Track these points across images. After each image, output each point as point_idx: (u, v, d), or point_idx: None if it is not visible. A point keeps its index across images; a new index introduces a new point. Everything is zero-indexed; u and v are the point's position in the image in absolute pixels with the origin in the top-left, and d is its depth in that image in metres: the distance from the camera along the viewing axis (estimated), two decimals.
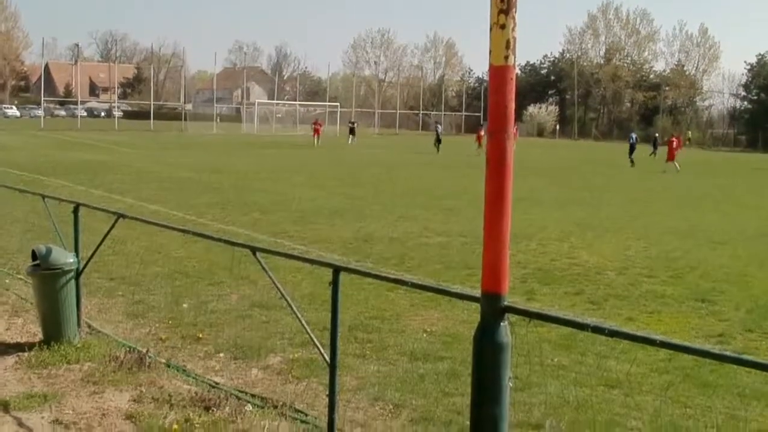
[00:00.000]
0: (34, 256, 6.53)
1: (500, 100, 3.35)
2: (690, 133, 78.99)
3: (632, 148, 39.47)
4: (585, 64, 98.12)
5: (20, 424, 4.97)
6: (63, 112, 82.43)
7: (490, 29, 3.31)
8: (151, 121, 66.37)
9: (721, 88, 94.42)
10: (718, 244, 13.43)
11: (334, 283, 4.57)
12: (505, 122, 3.36)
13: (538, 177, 27.39)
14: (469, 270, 10.19)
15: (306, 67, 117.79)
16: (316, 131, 50.40)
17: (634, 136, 42.44)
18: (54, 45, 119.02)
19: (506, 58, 3.31)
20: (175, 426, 4.92)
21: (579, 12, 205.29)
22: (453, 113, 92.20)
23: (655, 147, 45.92)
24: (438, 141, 47.01)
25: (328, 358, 4.73)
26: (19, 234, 12.03)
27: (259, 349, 6.62)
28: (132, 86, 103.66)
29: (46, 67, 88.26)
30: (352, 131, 54.44)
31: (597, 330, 3.41)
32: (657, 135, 51.51)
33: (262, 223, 14.30)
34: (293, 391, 5.68)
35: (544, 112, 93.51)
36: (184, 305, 8.08)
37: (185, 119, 67.98)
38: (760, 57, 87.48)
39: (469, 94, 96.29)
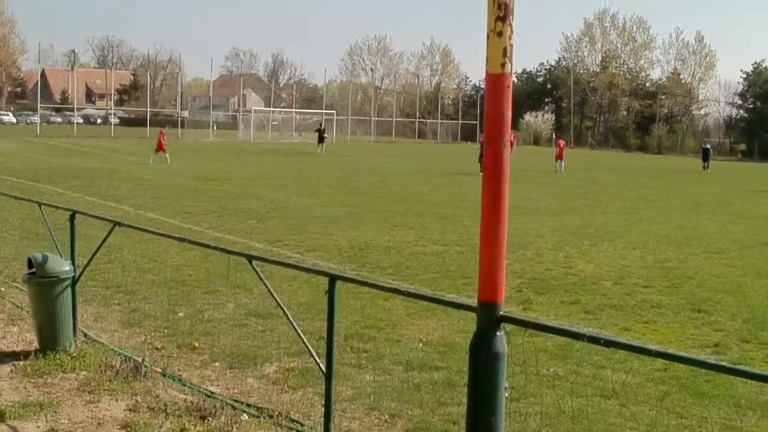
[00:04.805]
0: (30, 263, 6.51)
1: (497, 108, 3.34)
2: (744, 146, 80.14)
3: (706, 156, 44.75)
4: (581, 71, 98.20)
5: None
6: (59, 119, 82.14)
7: (487, 37, 3.30)
8: (148, 128, 66.04)
9: (717, 97, 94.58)
10: (714, 253, 13.45)
11: (330, 292, 4.57)
12: (501, 130, 3.36)
13: (535, 185, 27.45)
14: (465, 279, 10.20)
15: (302, 75, 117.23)
16: (161, 144, 34.99)
17: (708, 145, 48.14)
18: (51, 51, 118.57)
19: (503, 65, 3.30)
20: None
21: (575, 19, 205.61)
22: (449, 121, 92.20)
23: (705, 160, 44.79)
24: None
25: (323, 368, 4.72)
26: (15, 241, 12.02)
27: (254, 359, 6.62)
28: (128, 93, 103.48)
29: (43, 73, 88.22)
30: (321, 139, 47.68)
31: (593, 340, 3.41)
32: (709, 147, 48.00)
33: (258, 231, 14.29)
34: (289, 400, 5.68)
35: (541, 120, 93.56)
36: (180, 314, 8.07)
37: (181, 126, 67.78)
38: (756, 65, 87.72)
39: (465, 102, 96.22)
